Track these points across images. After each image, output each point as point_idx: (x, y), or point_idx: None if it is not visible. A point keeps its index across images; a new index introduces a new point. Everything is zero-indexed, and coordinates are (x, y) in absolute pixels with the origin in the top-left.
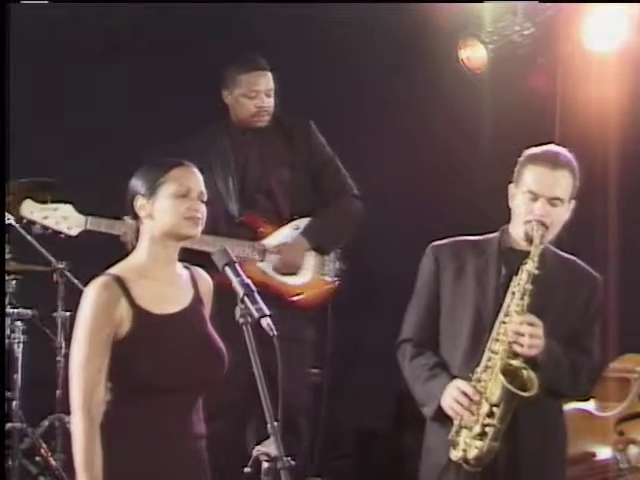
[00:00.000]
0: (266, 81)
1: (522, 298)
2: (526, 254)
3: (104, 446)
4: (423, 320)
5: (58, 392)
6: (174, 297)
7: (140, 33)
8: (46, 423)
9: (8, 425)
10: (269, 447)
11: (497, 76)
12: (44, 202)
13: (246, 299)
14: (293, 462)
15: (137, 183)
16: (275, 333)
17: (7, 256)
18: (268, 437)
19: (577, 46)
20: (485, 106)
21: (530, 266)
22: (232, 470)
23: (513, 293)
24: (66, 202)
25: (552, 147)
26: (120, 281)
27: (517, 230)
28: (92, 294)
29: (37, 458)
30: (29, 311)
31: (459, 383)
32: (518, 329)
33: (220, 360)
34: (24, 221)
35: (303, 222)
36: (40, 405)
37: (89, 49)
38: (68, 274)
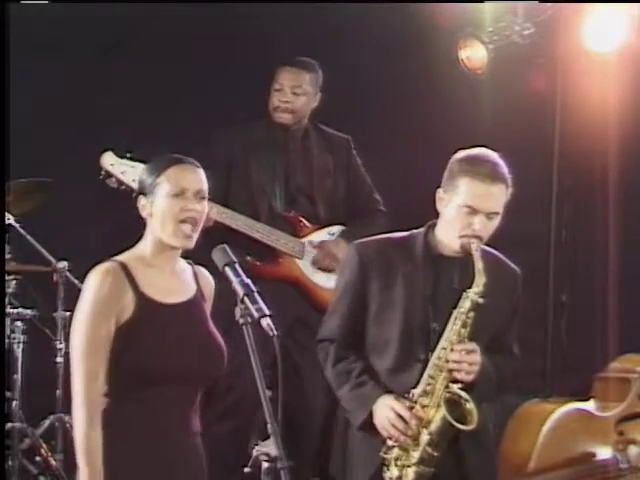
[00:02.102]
0: (294, 78)
1: (464, 327)
2: (455, 260)
3: (104, 440)
4: (348, 323)
5: (58, 392)
6: (177, 288)
7: (140, 32)
8: (46, 423)
9: (8, 425)
10: (269, 447)
11: (497, 76)
12: (122, 157)
13: (246, 299)
14: (292, 462)
15: (141, 181)
16: (275, 333)
17: (7, 256)
18: (269, 437)
19: (577, 46)
20: (485, 106)
21: (474, 295)
22: (234, 470)
23: (455, 319)
24: (141, 161)
25: (487, 157)
26: (124, 267)
27: (449, 240)
28: (96, 279)
29: (37, 458)
30: (29, 311)
31: (394, 403)
32: (459, 358)
33: (219, 356)
34: (102, 172)
35: (337, 229)
36: (40, 405)
37: (89, 49)
38: (68, 274)
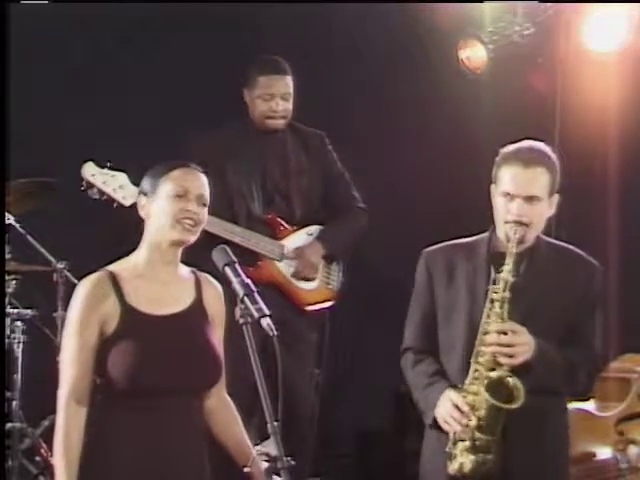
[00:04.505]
0: (283, 85)
1: (501, 307)
2: (516, 255)
3: (97, 445)
4: (420, 329)
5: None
6: (169, 299)
7: (140, 33)
8: (46, 423)
9: (8, 425)
10: (269, 447)
11: (497, 76)
12: (103, 167)
13: (246, 299)
14: (293, 462)
15: (143, 183)
16: (275, 333)
17: (7, 256)
18: (268, 437)
19: (577, 46)
20: (485, 106)
21: (505, 274)
22: (233, 470)
23: (492, 301)
24: (121, 170)
25: (526, 144)
26: (113, 278)
27: (499, 232)
28: (82, 289)
29: (37, 458)
30: (29, 311)
31: (452, 395)
32: (498, 340)
33: (213, 369)
34: (84, 183)
35: (315, 229)
36: (40, 405)
37: (89, 49)
38: (68, 274)
